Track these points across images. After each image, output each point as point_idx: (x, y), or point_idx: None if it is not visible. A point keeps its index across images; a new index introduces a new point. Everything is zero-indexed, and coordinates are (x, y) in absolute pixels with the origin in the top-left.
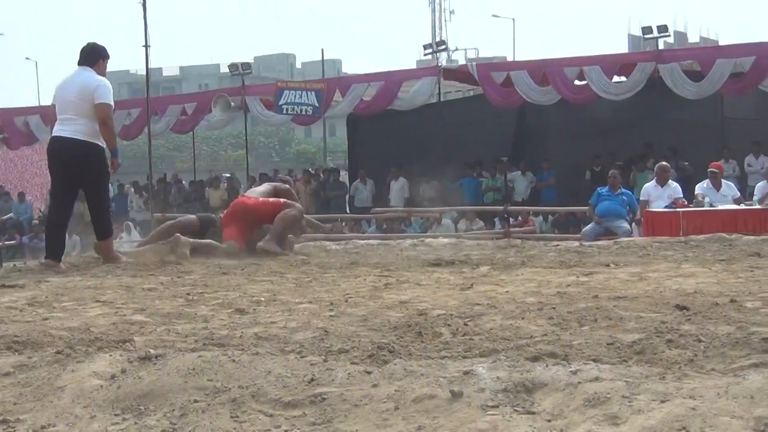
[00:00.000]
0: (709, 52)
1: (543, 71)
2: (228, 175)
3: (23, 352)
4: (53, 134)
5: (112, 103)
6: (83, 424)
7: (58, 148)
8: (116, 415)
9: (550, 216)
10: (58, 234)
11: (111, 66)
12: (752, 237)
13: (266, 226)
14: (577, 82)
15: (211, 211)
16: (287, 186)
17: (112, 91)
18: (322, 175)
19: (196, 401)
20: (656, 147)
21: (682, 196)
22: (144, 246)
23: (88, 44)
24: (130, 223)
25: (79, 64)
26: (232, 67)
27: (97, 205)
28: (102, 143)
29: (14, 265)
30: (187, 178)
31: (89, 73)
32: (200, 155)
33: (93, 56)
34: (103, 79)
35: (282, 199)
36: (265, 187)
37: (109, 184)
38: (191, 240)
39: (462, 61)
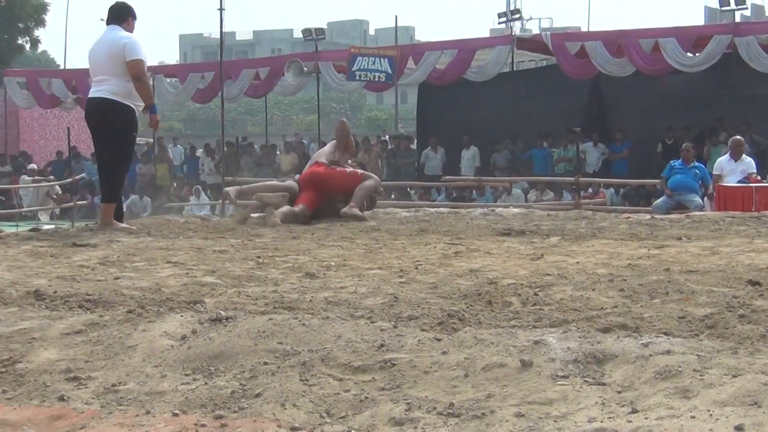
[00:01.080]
0: None
1: (618, 42)
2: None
3: (95, 311)
4: (88, 97)
5: (144, 58)
6: (154, 383)
7: (88, 110)
8: (186, 375)
9: (621, 188)
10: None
11: (184, 29)
12: None
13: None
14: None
15: (281, 176)
16: (338, 126)
17: (143, 47)
18: (391, 143)
19: (266, 363)
20: (730, 121)
21: (755, 171)
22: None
23: (116, 3)
24: (199, 187)
25: (108, 23)
26: (306, 32)
27: (108, 166)
28: (133, 104)
29: (86, 224)
30: (258, 142)
31: (116, 32)
32: (272, 120)
33: (121, 15)
34: (131, 35)
35: (359, 170)
36: (329, 147)
37: (133, 151)
38: (279, 211)
39: (536, 31)
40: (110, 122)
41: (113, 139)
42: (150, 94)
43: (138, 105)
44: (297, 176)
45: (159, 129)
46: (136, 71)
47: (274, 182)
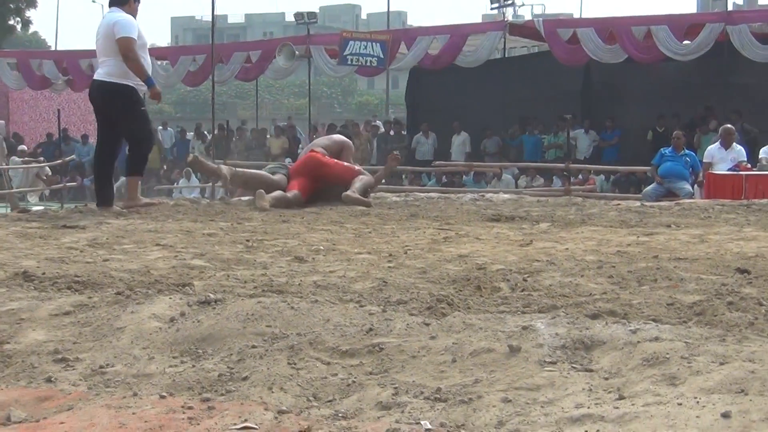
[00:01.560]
0: None
1: (610, 29)
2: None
3: (83, 292)
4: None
5: (132, 36)
6: (141, 365)
7: (90, 91)
8: (174, 357)
9: (611, 175)
10: (105, 180)
11: (176, 11)
12: None
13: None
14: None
15: (272, 159)
16: (346, 140)
17: (136, 26)
18: (382, 127)
19: (254, 347)
20: (721, 110)
21: (746, 159)
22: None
23: None
24: (189, 170)
25: (110, 5)
26: (298, 15)
27: (131, 144)
28: (132, 83)
29: (76, 206)
30: (248, 125)
31: (113, 13)
32: (262, 103)
33: None
34: (124, 14)
35: (357, 167)
36: (326, 141)
37: (149, 124)
38: (270, 195)
39: (528, 17)
40: (112, 104)
41: (124, 119)
42: (141, 70)
43: (139, 83)
44: (288, 160)
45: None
46: (123, 49)
47: (266, 174)
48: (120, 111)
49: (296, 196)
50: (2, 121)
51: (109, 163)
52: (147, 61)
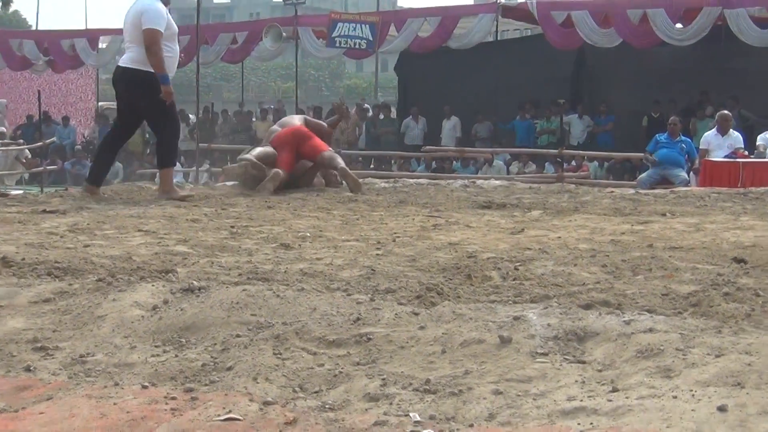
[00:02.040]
0: None
1: (605, 12)
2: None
3: (64, 279)
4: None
5: (159, 28)
6: (123, 354)
7: (114, 77)
8: (156, 346)
9: (605, 162)
10: (104, 162)
11: None
12: None
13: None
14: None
15: (257, 143)
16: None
17: (164, 17)
18: (372, 111)
19: (238, 336)
20: (718, 96)
21: (743, 146)
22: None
23: None
24: None
25: None
26: None
27: (157, 133)
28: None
29: (56, 190)
30: (233, 108)
31: (145, 0)
32: (248, 86)
33: None
34: (155, 4)
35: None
36: (298, 119)
37: (174, 111)
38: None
39: None
40: (135, 91)
41: (147, 106)
42: (160, 65)
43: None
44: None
45: None
46: (147, 40)
47: (268, 150)
48: (142, 98)
49: (285, 171)
50: (3, 100)
51: (115, 148)
52: (175, 50)
